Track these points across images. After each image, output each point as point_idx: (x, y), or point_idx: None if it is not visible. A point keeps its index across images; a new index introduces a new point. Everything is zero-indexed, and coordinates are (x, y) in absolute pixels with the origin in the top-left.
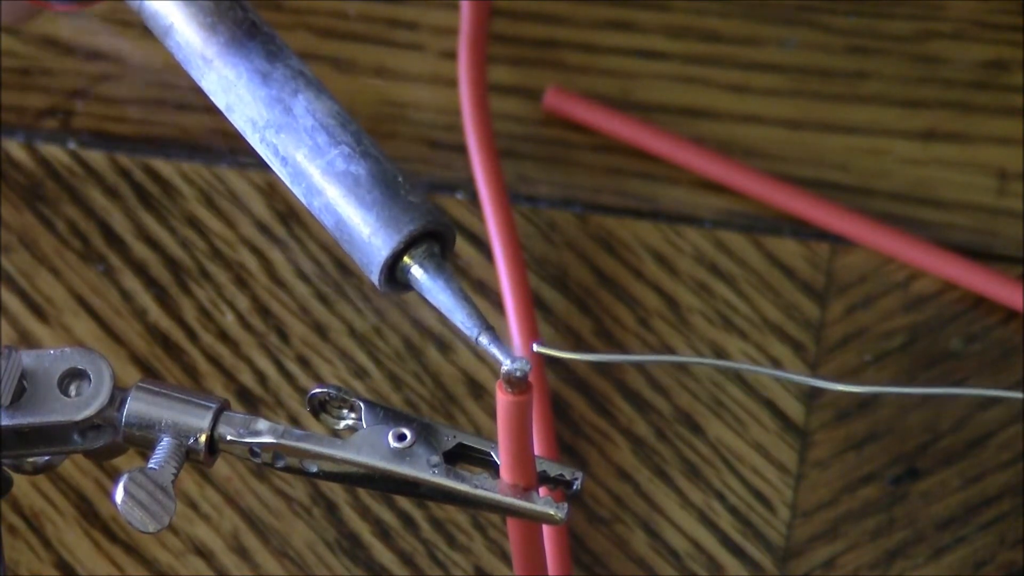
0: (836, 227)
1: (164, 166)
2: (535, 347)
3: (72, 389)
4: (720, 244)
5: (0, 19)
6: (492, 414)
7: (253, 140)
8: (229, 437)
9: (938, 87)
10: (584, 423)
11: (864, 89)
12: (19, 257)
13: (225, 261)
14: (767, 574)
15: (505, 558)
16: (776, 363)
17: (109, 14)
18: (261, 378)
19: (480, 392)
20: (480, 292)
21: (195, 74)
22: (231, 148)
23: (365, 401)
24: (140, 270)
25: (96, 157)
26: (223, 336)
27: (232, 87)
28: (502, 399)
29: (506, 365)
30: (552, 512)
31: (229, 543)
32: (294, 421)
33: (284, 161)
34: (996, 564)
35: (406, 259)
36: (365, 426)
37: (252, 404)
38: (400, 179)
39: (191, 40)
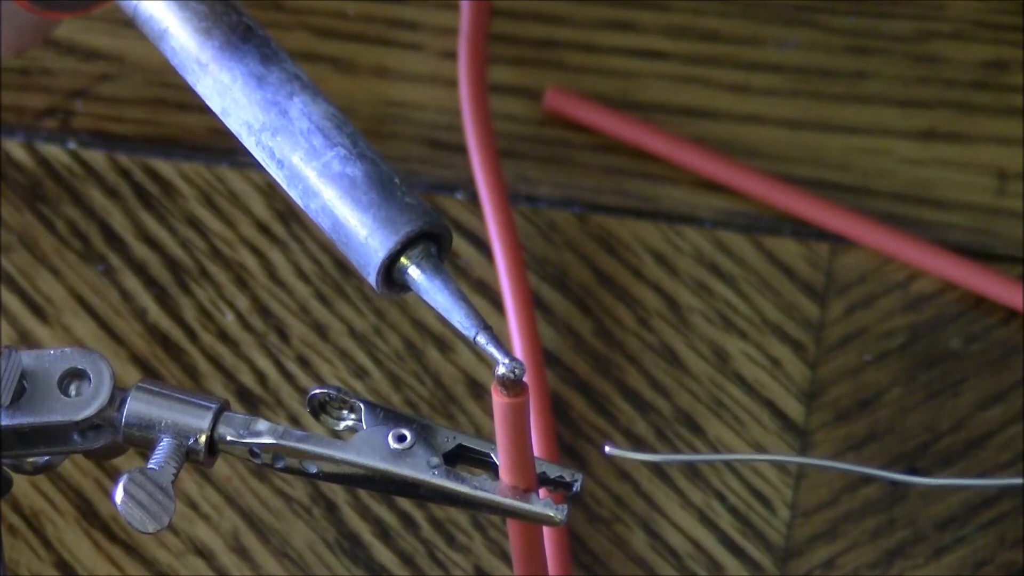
0: (836, 227)
1: (164, 166)
2: (607, 450)
3: (72, 389)
4: (720, 244)
5: (14, 46)
6: (492, 414)
7: (249, 144)
8: (229, 437)
9: (938, 87)
10: (584, 423)
11: (864, 89)
12: (19, 257)
13: (225, 261)
14: (767, 574)
15: (505, 558)
16: (776, 363)
17: (109, 14)
18: (261, 378)
19: (480, 392)
20: (480, 292)
21: (191, 79)
22: (231, 148)
23: (365, 402)
24: (140, 270)
25: (96, 157)
26: (223, 336)
27: (227, 91)
28: (498, 402)
29: (500, 368)
30: (552, 514)
31: (229, 543)
32: (294, 421)
33: (280, 164)
34: (996, 564)
35: (403, 260)
36: (365, 427)
37: (252, 404)
38: (396, 180)
39: (186, 44)
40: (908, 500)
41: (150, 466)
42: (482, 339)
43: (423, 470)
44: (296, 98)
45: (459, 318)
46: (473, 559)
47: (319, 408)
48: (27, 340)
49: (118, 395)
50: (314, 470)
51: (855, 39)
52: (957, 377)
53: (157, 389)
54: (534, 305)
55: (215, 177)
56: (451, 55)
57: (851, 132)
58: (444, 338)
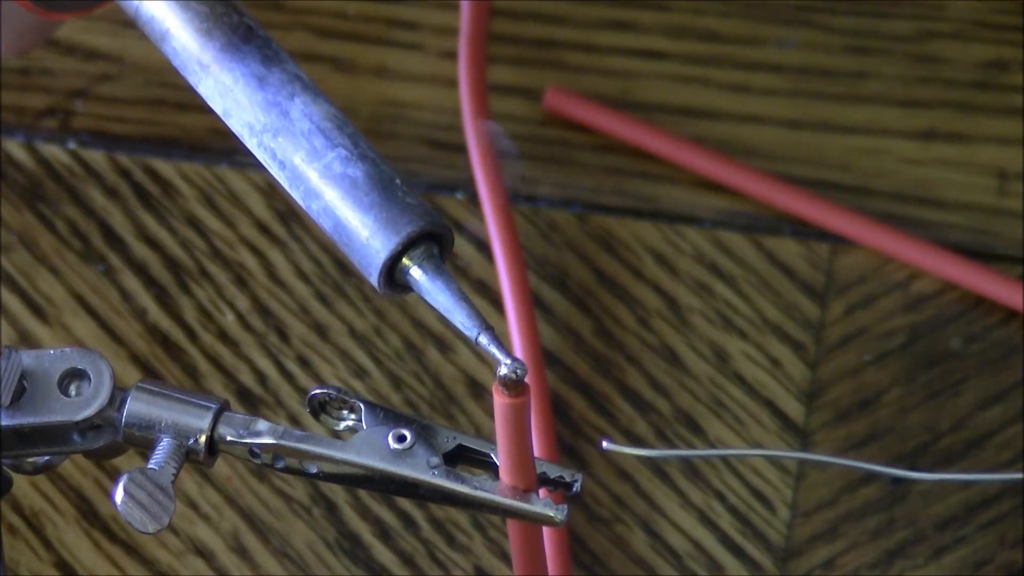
0: (836, 227)
1: (164, 166)
2: (604, 445)
3: (72, 389)
4: (720, 244)
5: (16, 47)
6: (492, 414)
7: (251, 144)
8: (229, 438)
9: (938, 87)
10: (584, 423)
11: (864, 89)
12: (19, 257)
13: (225, 261)
14: (767, 574)
15: (505, 558)
16: (776, 363)
17: (110, 14)
18: (261, 378)
19: (480, 392)
20: (480, 292)
21: (192, 79)
22: (231, 148)
23: (365, 402)
24: (140, 270)
25: (96, 157)
26: (223, 336)
27: (229, 92)
28: (499, 402)
29: (502, 368)
30: (551, 514)
31: (229, 543)
32: (294, 421)
33: (282, 165)
34: (996, 564)
35: (405, 260)
36: (365, 427)
37: (252, 404)
38: (397, 181)
39: (187, 45)
40: (908, 500)
41: (150, 466)
42: (484, 339)
43: (423, 470)
44: (297, 99)
45: (461, 318)
46: (473, 559)
47: (319, 408)
48: (27, 340)
49: (118, 395)
50: (314, 470)
51: (855, 39)
52: (957, 377)
53: (157, 389)
54: (534, 305)
55: (215, 177)
56: (451, 55)
57: (851, 132)
58: (444, 338)
